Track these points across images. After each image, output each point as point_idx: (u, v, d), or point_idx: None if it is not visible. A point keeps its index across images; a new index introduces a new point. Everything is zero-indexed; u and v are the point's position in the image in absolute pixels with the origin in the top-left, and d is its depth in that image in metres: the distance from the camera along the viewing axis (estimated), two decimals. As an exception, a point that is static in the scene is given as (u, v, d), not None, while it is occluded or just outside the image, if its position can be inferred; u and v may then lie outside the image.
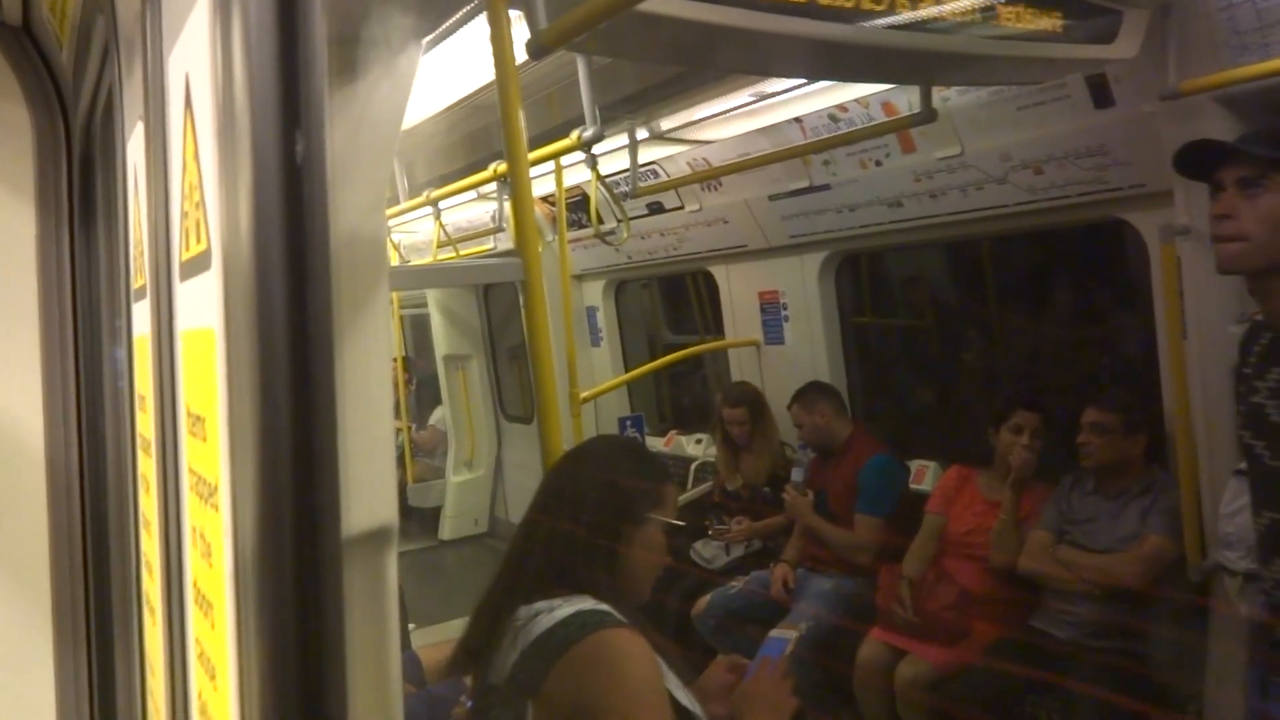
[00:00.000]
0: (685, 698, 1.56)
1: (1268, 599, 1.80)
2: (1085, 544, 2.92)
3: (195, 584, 0.61)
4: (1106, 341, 3.95)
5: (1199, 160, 1.78)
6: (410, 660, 2.03)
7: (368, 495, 0.67)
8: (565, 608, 1.52)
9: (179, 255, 0.62)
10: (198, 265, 0.56)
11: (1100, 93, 2.72)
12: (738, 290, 4.61)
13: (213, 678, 0.57)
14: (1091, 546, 2.91)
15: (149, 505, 0.84)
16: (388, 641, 0.71)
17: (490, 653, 1.58)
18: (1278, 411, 1.71)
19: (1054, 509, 3.05)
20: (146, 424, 0.83)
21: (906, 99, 3.07)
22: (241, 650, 0.49)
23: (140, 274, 0.83)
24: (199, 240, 0.55)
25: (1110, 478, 2.95)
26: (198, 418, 0.58)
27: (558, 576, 1.58)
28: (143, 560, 0.92)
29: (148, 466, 0.84)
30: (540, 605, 1.54)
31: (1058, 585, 2.95)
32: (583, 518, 1.61)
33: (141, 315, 0.83)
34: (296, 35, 0.42)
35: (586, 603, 1.53)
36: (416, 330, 8.06)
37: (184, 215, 0.59)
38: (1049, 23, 2.19)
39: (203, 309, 0.54)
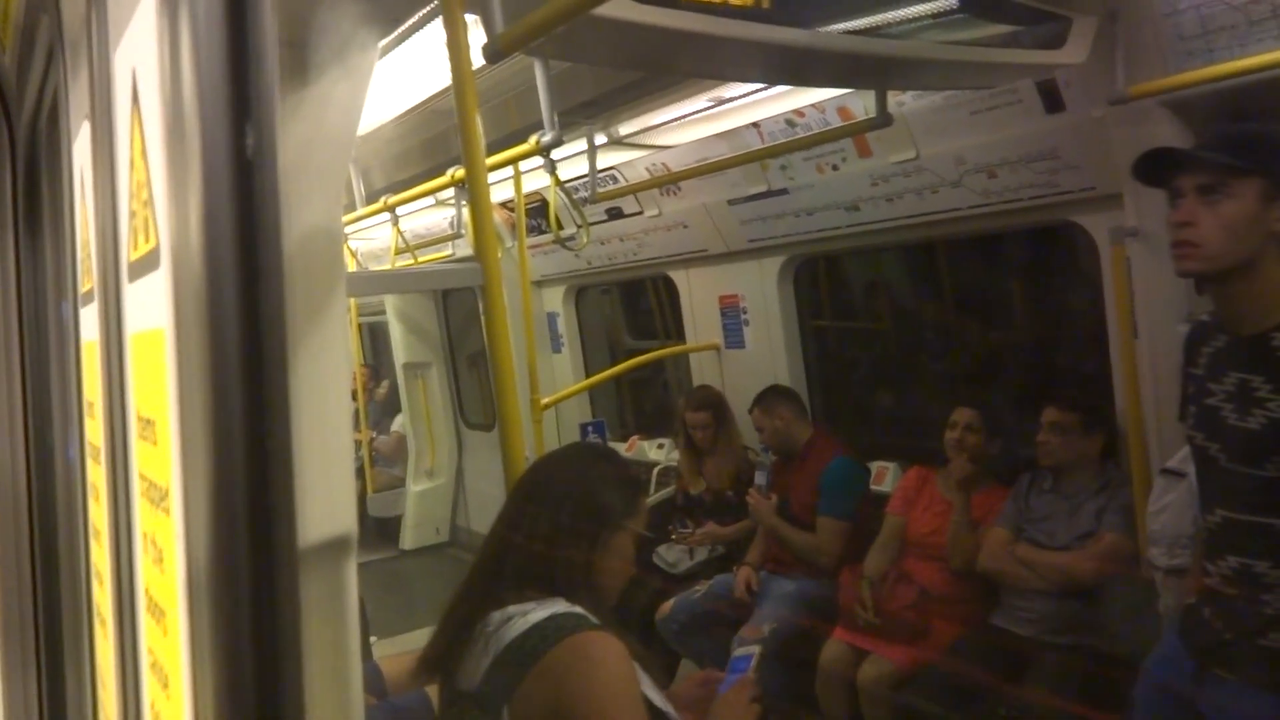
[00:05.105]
0: (660, 701, 1.55)
1: (1216, 595, 1.81)
2: (1043, 541, 2.96)
3: (147, 591, 0.60)
4: (1060, 341, 4.01)
5: (1157, 168, 1.78)
6: (372, 671, 2.00)
7: (325, 500, 0.66)
8: (539, 611, 1.51)
9: (127, 255, 0.61)
10: (147, 264, 0.55)
11: (1051, 98, 2.77)
12: (698, 295, 4.63)
13: (165, 686, 0.55)
14: (1049, 544, 2.95)
15: (99, 515, 0.82)
16: (348, 651, 0.70)
17: (459, 659, 1.56)
18: (1236, 415, 1.71)
19: (1013, 507, 3.09)
20: (96, 431, 0.81)
21: (863, 104, 3.10)
22: (195, 657, 0.48)
23: (88, 277, 0.82)
24: (147, 239, 0.54)
25: (1068, 476, 2.99)
26: (148, 421, 0.57)
27: (531, 580, 1.57)
28: (93, 571, 0.90)
29: (97, 475, 0.82)
30: (513, 609, 1.52)
31: (1017, 583, 2.98)
32: (560, 522, 1.60)
33: (89, 320, 0.81)
34: (245, 26, 0.41)
35: (560, 605, 1.52)
36: (375, 338, 7.99)
37: (132, 214, 0.58)
38: (1000, 29, 2.23)
39: (152, 309, 0.53)
